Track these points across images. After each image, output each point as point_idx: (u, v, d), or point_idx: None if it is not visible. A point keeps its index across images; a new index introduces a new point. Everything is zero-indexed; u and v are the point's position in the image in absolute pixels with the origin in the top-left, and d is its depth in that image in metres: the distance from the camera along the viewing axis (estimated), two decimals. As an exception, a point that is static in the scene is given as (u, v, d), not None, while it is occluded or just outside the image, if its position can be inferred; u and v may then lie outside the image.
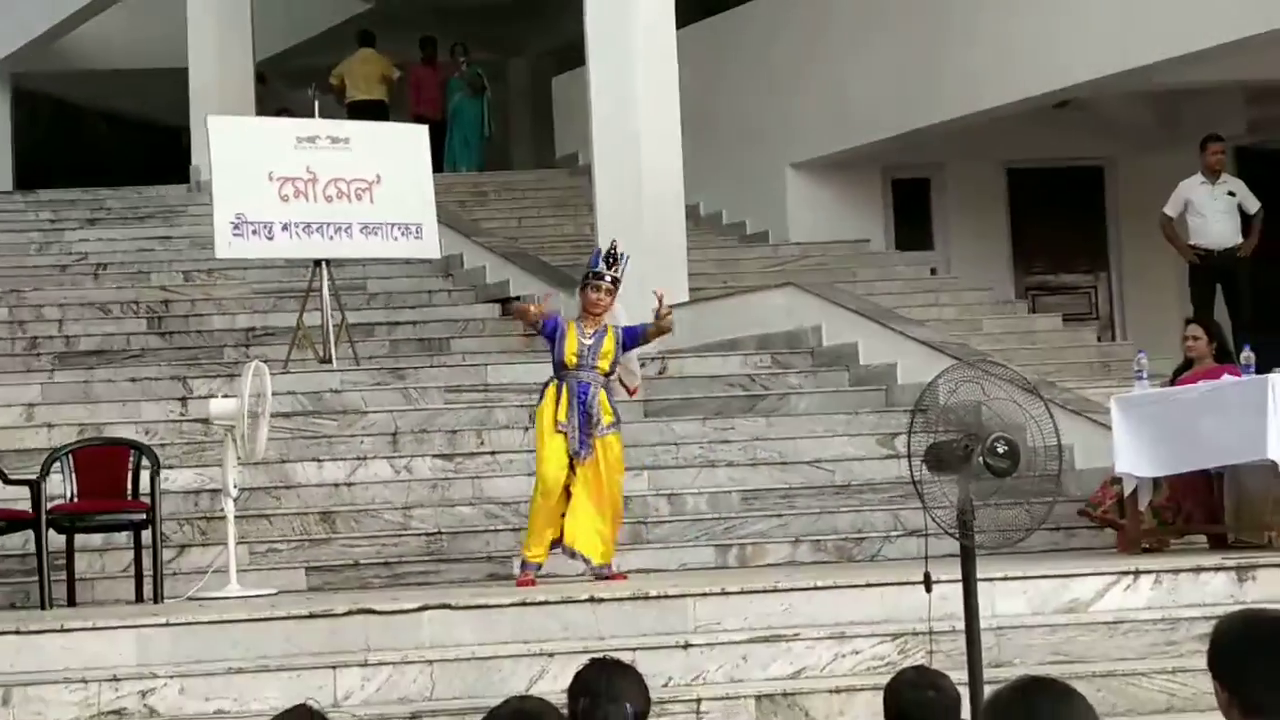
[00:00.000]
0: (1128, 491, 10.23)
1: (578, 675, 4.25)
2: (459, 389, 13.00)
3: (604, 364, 9.92)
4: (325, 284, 13.65)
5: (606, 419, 9.87)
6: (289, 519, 11.11)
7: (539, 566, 9.78)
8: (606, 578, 9.61)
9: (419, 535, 10.95)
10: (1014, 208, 18.25)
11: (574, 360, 9.85)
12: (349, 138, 13.93)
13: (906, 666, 5.22)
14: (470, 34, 22.64)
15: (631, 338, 10.12)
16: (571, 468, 9.74)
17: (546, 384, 10.02)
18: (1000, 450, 6.22)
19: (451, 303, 15.95)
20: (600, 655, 4.58)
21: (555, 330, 9.94)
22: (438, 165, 19.02)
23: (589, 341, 9.89)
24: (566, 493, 9.78)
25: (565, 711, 4.06)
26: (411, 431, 12.30)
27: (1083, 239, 18.28)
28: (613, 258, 10.06)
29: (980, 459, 6.21)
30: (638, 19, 14.37)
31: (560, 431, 9.76)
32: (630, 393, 10.61)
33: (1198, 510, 10.49)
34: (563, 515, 9.78)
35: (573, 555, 9.79)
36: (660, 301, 10.02)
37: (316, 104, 14.67)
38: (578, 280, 14.90)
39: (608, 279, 10.00)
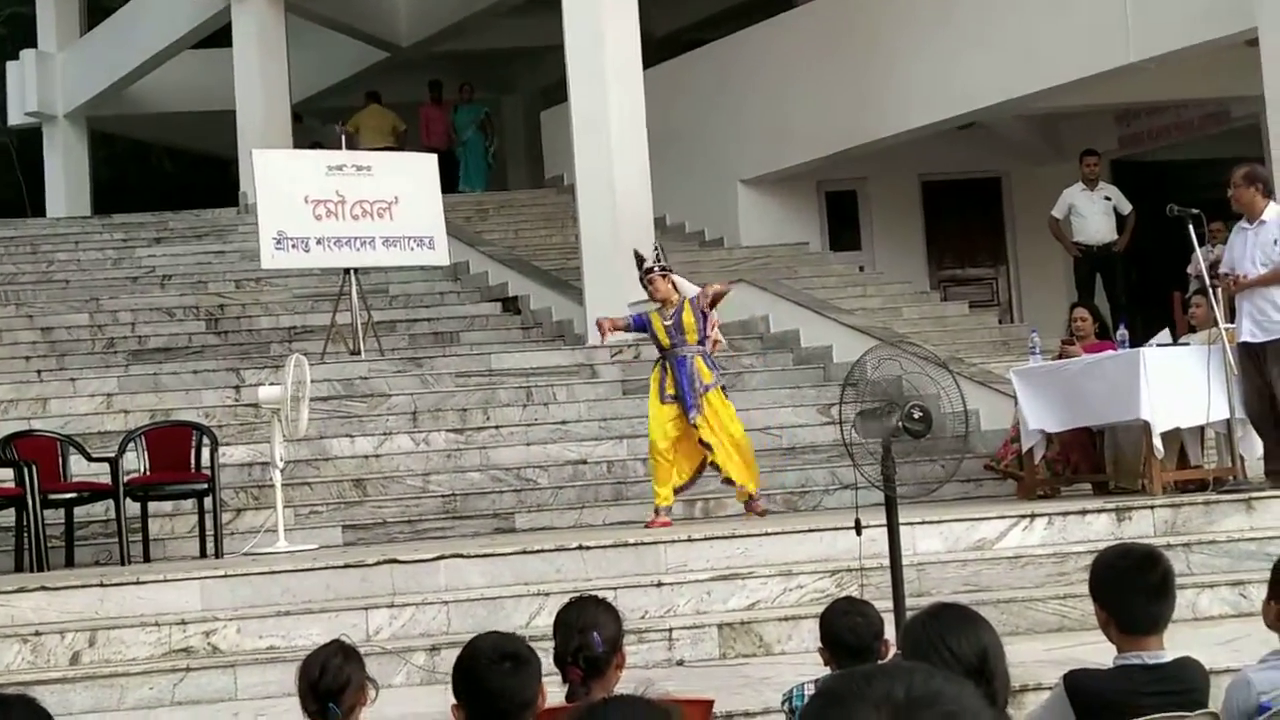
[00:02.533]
0: (1025, 448, 10.26)
1: (558, 613, 4.26)
2: (468, 374, 12.98)
3: (691, 336, 9.94)
4: (354, 289, 13.61)
5: (706, 378, 9.91)
6: (327, 485, 11.11)
7: (669, 509, 9.85)
8: (751, 510, 9.77)
9: (436, 497, 10.94)
10: (928, 213, 18.23)
11: (667, 342, 9.94)
12: (371, 165, 13.90)
13: (839, 597, 5.22)
14: (473, 75, 22.58)
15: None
16: (694, 427, 9.81)
17: (655, 364, 10.14)
18: (916, 415, 6.23)
19: (460, 302, 15.92)
20: (579, 594, 4.58)
21: (643, 324, 10.12)
22: (449, 187, 19.03)
23: (669, 322, 9.95)
24: (703, 445, 9.84)
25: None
26: (428, 411, 12.28)
27: (986, 238, 18.28)
28: (641, 258, 10.16)
29: (899, 423, 6.22)
30: (610, 62, 14.34)
31: (667, 402, 9.87)
32: (714, 345, 10.43)
33: (1083, 462, 10.52)
34: (696, 472, 9.93)
35: (729, 482, 9.93)
36: (706, 289, 10.16)
37: (343, 138, 14.64)
38: (567, 281, 15.11)
39: (656, 269, 10.02)
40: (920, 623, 3.61)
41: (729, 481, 9.96)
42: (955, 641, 3.49)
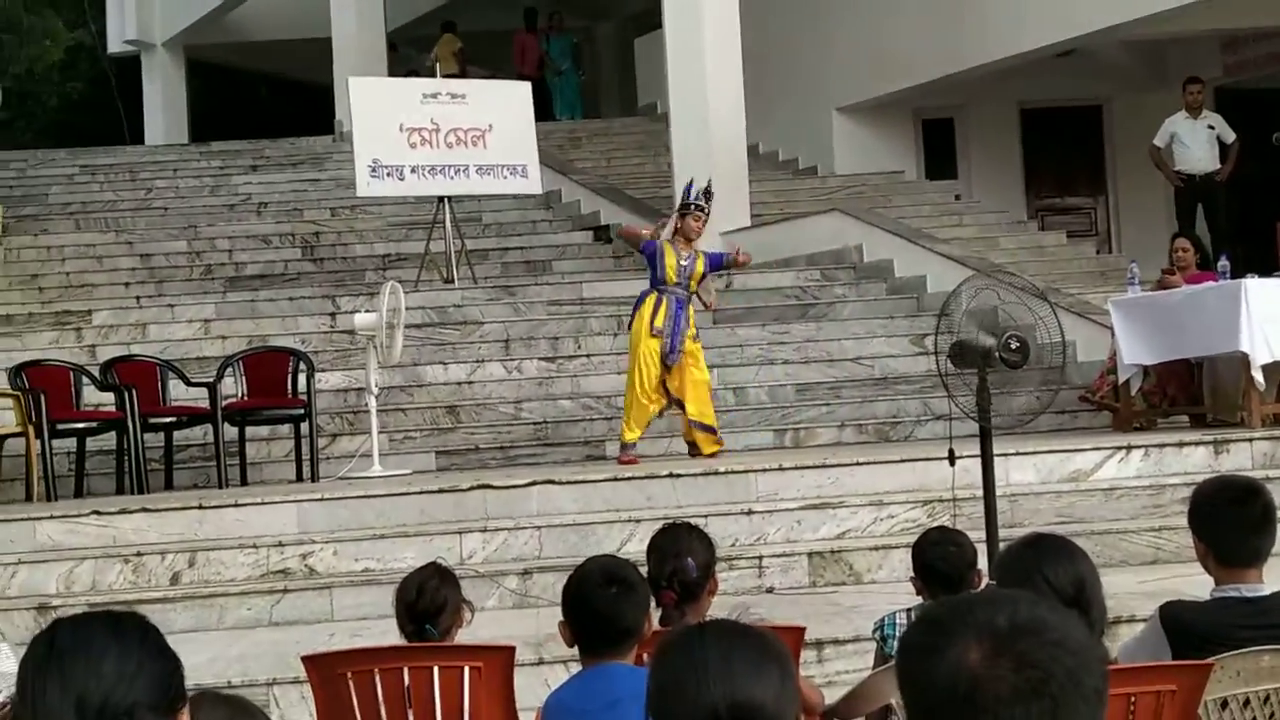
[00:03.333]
0: (1122, 379, 10.14)
1: (652, 538, 4.27)
2: (559, 303, 13.02)
3: (694, 284, 9.89)
4: (447, 217, 13.66)
5: (692, 330, 9.85)
6: (421, 412, 11.18)
7: (635, 445, 9.73)
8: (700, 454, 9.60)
9: (528, 424, 11.00)
10: (1026, 142, 18.00)
11: (673, 277, 9.79)
12: (465, 94, 13.89)
13: (932, 527, 5.19)
14: (566, 3, 22.49)
15: (715, 263, 10.05)
16: (666, 368, 9.67)
17: (645, 295, 9.85)
18: (1013, 346, 6.18)
19: (552, 231, 15.92)
20: (672, 520, 4.60)
21: (655, 251, 9.85)
22: (541, 115, 19.02)
23: (685, 262, 9.83)
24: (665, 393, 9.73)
25: (645, 569, 4.10)
26: (520, 339, 12.33)
27: (1084, 167, 18.02)
28: (708, 194, 10.01)
29: (997, 354, 6.17)
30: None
31: (655, 336, 9.66)
32: (707, 306, 10.55)
33: (1181, 394, 10.38)
34: (665, 407, 9.77)
35: (705, 430, 9.73)
36: (739, 253, 10.13)
37: (436, 67, 14.65)
38: (659, 209, 15.07)
39: (707, 209, 9.97)
40: (1016, 552, 3.59)
41: (693, 443, 9.74)
42: (1051, 571, 3.48)
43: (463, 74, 20.64)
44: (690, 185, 10.17)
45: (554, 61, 21.57)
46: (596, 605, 3.55)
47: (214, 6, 22.92)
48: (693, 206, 9.93)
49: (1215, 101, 16.35)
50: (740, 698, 2.02)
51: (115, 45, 25.17)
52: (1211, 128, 14.20)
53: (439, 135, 13.47)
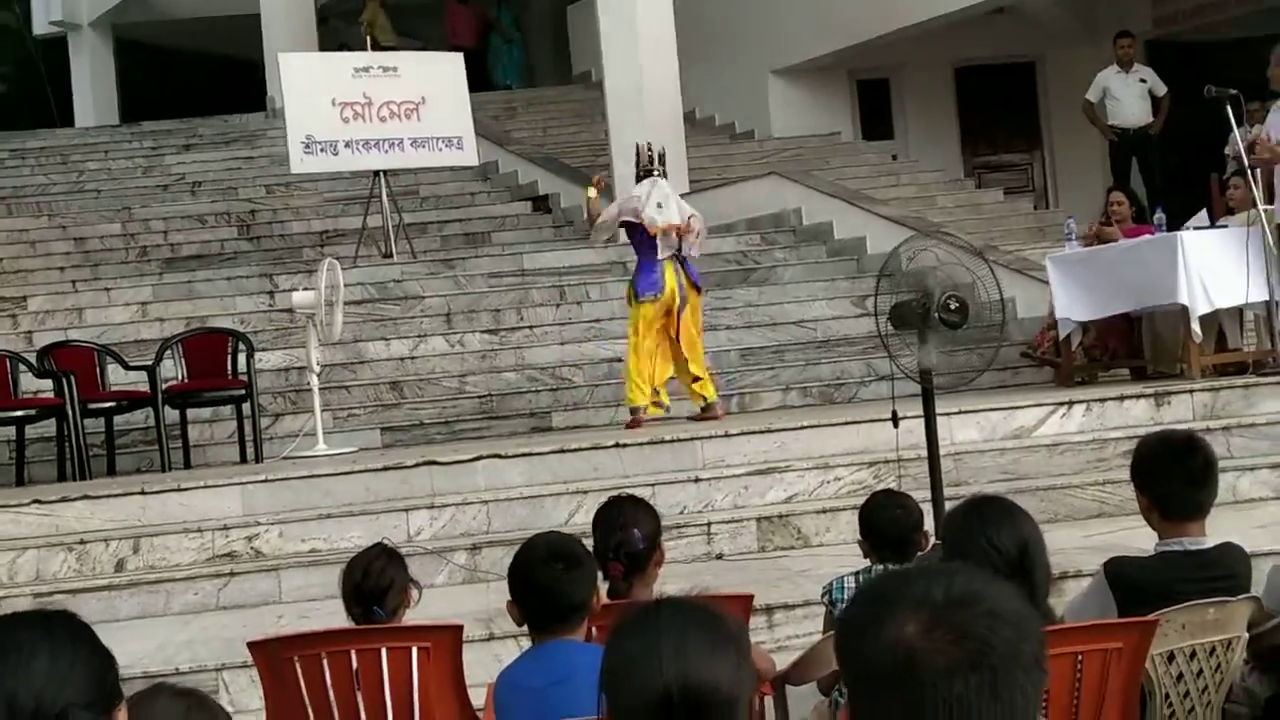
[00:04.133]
0: (1062, 335, 10.20)
1: (597, 512, 4.26)
2: (500, 275, 12.96)
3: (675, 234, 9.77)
4: (384, 191, 13.57)
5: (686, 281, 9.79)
6: (364, 388, 11.14)
7: (643, 409, 9.70)
8: (708, 415, 9.62)
9: (472, 398, 10.96)
10: (961, 100, 18.04)
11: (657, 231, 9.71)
12: (397, 66, 13.78)
13: (878, 490, 5.20)
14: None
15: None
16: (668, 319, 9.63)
17: (640, 264, 9.86)
18: (953, 306, 6.17)
19: (491, 202, 15.84)
20: (617, 493, 4.59)
21: (632, 217, 9.82)
22: (477, 85, 18.90)
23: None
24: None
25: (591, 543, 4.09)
26: (462, 312, 12.28)
27: (1019, 124, 18.09)
28: (660, 157, 10.04)
29: (936, 314, 6.16)
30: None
31: (649, 300, 9.61)
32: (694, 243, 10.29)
33: (1121, 348, 10.46)
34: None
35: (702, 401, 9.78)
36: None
37: (368, 39, 14.52)
38: (591, 177, 14.99)
39: (662, 171, 9.96)
40: (960, 515, 3.61)
41: (702, 400, 9.80)
42: (995, 534, 3.49)
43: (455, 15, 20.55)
44: (638, 153, 10.14)
45: (506, 30, 21.51)
46: (543, 582, 3.53)
47: (140, -16, 22.64)
48: (641, 172, 9.97)
49: (1147, 54, 16.45)
50: (694, 680, 2.01)
51: (41, 27, 24.80)
52: (1143, 81, 14.29)
53: (372, 109, 13.37)
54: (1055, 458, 8.26)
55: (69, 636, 2.08)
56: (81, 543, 7.59)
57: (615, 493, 4.72)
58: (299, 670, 4.05)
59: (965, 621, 1.71)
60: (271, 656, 4.16)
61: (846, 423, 8.58)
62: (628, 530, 4.07)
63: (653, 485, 7.84)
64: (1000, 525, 3.51)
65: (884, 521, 4.73)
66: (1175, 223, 10.14)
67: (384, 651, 4.10)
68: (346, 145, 13.34)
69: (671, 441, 8.44)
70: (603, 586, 4.14)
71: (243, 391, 10.13)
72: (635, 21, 14.11)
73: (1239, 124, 9.48)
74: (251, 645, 4.23)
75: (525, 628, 3.64)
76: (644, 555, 4.14)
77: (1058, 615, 4.66)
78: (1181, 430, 4.74)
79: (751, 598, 4.52)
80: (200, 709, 2.52)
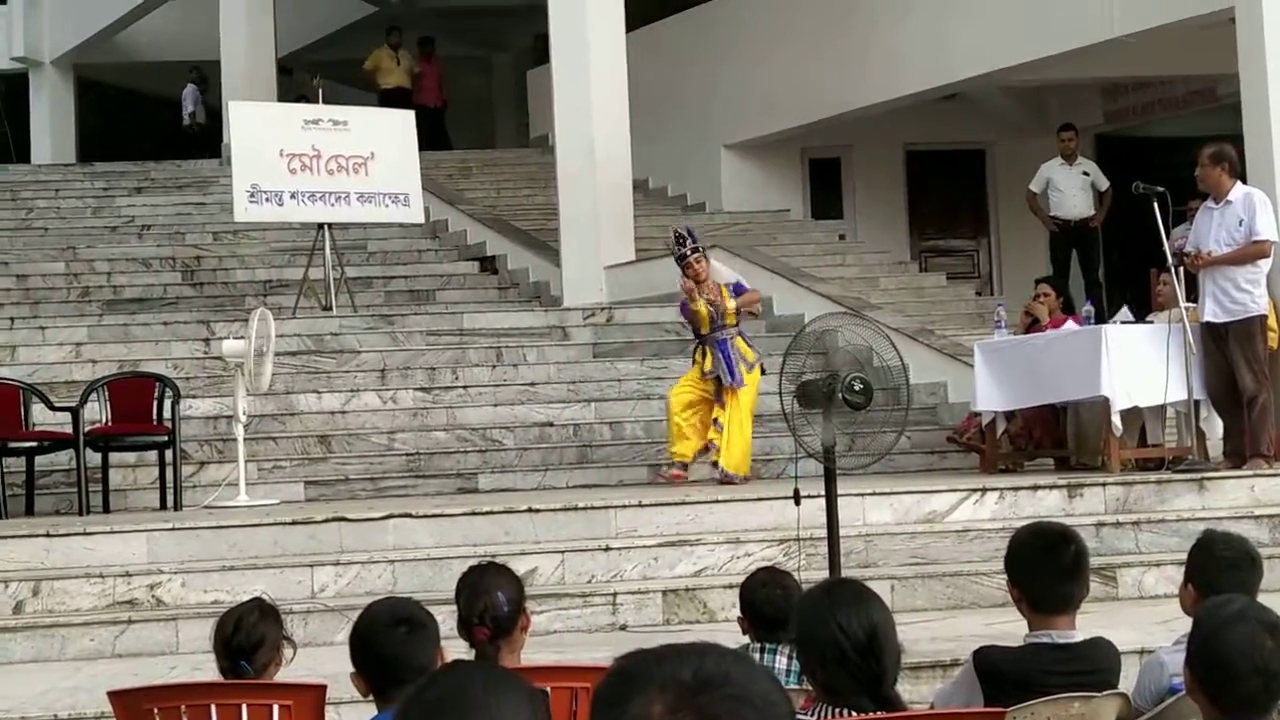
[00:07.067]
0: (986, 422, 10.26)
1: (460, 578, 4.26)
2: (438, 333, 12.96)
3: (730, 319, 10.13)
4: (327, 244, 13.59)
5: (749, 356, 10.17)
6: (292, 441, 11.08)
7: (685, 465, 10.11)
8: (726, 480, 9.86)
9: (400, 455, 10.93)
10: (911, 183, 18.20)
11: (708, 328, 10.12)
12: (347, 120, 13.85)
13: (760, 568, 5.22)
14: (464, 31, 22.45)
15: (739, 290, 10.29)
16: (720, 401, 10.01)
17: (695, 347, 10.37)
18: (857, 387, 6.22)
19: (438, 260, 15.88)
20: (480, 560, 4.57)
21: (685, 311, 10.34)
22: (440, 144, 18.97)
23: (713, 305, 10.11)
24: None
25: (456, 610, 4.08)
26: (397, 369, 12.26)
27: (968, 210, 18.26)
28: (682, 238, 10.25)
29: (840, 394, 6.21)
30: (593, 23, 14.26)
31: (706, 379, 10.11)
32: (756, 315, 11.04)
33: (1046, 437, 10.53)
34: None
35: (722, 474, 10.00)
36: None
37: (320, 92, 14.58)
38: (545, 242, 15.08)
39: (691, 255, 10.11)
40: (812, 598, 3.63)
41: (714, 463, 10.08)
42: (845, 617, 3.51)
43: (421, 75, 20.55)
44: (676, 237, 10.39)
45: None
46: (385, 648, 3.52)
47: (104, 26, 22.65)
48: (680, 260, 10.26)
49: (1096, 148, 16.67)
50: None
51: (2, 62, 24.78)
52: (1086, 174, 14.47)
53: (319, 162, 13.42)
54: (965, 544, 8.27)
55: None
56: (-19, 583, 7.52)
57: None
58: (156, 723, 4.02)
59: (709, 703, 1.72)
60: (131, 707, 4.13)
61: (760, 499, 8.61)
62: (492, 594, 4.06)
63: (563, 552, 7.83)
64: (851, 609, 3.52)
65: (762, 600, 4.76)
66: (1110, 317, 10.23)
67: (244, 708, 4.07)
68: (292, 196, 13.37)
69: (585, 509, 8.43)
70: (470, 654, 4.13)
71: (166, 438, 10.08)
72: (589, 85, 14.22)
73: (1175, 221, 9.62)
74: (111, 695, 4.20)
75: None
76: (510, 619, 4.13)
77: (929, 701, 4.68)
78: (1056, 523, 4.78)
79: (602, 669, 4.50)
80: None
